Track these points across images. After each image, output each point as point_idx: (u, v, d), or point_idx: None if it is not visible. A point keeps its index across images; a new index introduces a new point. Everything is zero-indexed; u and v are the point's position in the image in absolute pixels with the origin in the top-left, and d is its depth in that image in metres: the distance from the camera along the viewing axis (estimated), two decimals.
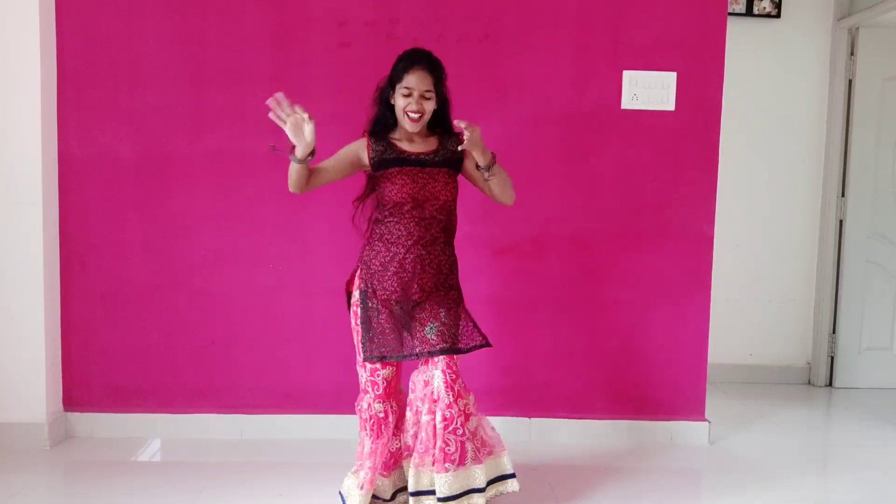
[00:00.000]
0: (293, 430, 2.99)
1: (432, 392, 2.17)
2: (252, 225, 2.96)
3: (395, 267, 2.18)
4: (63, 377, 2.97)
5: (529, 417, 3.06)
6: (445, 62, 2.88)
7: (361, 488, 2.24)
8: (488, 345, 2.24)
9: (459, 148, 2.15)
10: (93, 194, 2.92)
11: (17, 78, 2.76)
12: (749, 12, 3.90)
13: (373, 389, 2.25)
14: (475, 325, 2.25)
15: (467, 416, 2.17)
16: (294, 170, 2.15)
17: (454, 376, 2.17)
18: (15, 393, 2.83)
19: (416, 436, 2.25)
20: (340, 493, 2.35)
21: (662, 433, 3.07)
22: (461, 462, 2.14)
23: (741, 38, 3.83)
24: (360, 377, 2.29)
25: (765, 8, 3.92)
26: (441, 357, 2.17)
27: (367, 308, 2.23)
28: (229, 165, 2.93)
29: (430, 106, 2.17)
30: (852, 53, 3.94)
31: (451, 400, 2.14)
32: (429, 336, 2.17)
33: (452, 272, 2.27)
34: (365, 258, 2.25)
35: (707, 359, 3.07)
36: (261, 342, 3.00)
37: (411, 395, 2.28)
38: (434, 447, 2.15)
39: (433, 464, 2.14)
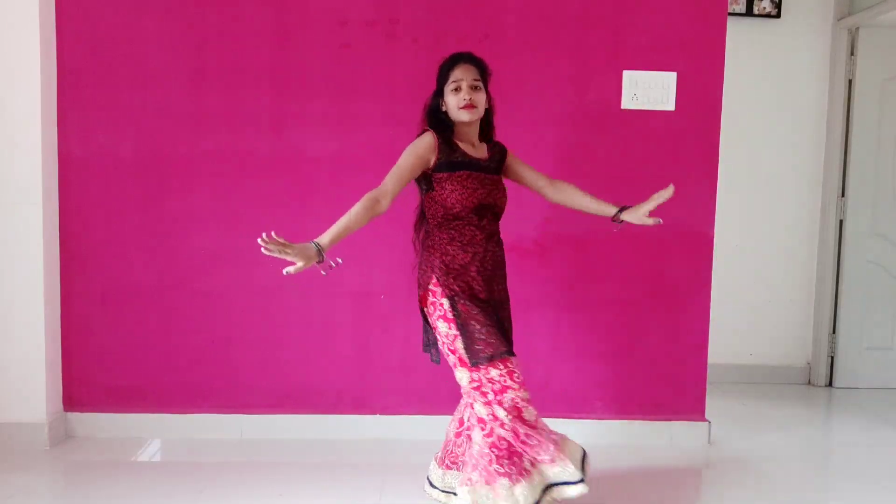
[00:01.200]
0: (293, 430, 2.99)
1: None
2: (252, 225, 2.95)
3: (476, 266, 2.14)
4: (63, 377, 2.97)
5: None
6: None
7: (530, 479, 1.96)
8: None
9: (651, 222, 2.28)
10: (93, 194, 2.92)
11: (17, 78, 2.76)
12: (749, 12, 3.90)
13: (512, 380, 2.03)
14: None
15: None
16: (345, 233, 2.08)
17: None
18: (15, 393, 2.83)
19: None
20: None
21: (662, 433, 3.07)
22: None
23: (741, 38, 3.83)
24: (482, 385, 2.05)
25: (765, 8, 3.92)
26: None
27: (460, 313, 2.09)
28: (229, 165, 2.93)
29: (481, 97, 2.14)
30: (852, 53, 3.94)
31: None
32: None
33: (504, 274, 2.30)
34: (440, 264, 2.14)
35: (707, 359, 3.07)
36: (261, 342, 3.00)
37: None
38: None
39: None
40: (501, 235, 2.30)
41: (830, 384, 4.09)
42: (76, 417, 2.97)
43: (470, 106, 2.11)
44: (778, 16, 3.93)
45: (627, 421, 3.07)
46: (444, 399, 2.99)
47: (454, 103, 2.13)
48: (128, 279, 2.95)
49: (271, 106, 2.91)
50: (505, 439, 2.00)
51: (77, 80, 2.88)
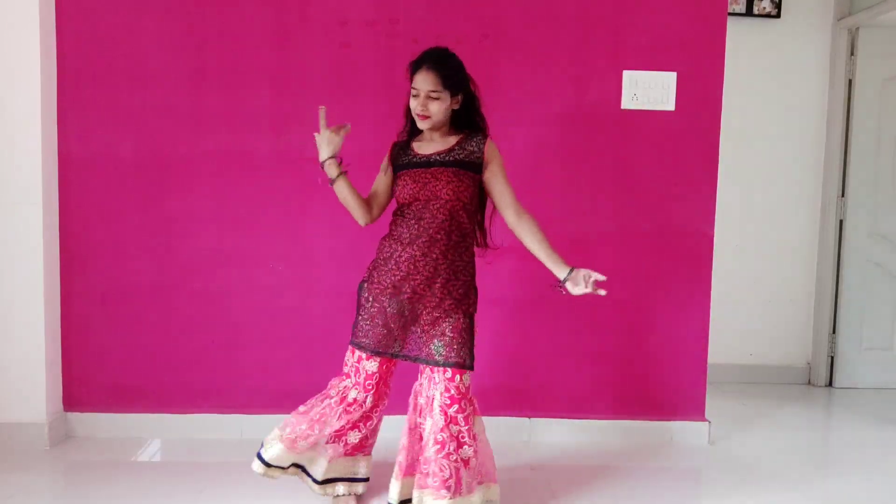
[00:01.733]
0: None
1: (431, 410, 2.15)
2: (252, 225, 2.96)
3: (391, 264, 2.19)
4: (63, 377, 2.97)
5: (529, 417, 3.06)
6: None
7: (288, 444, 2.25)
8: (465, 367, 2.14)
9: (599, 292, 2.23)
10: (93, 194, 2.92)
11: (17, 78, 2.76)
12: (749, 12, 3.90)
13: (354, 376, 2.26)
14: (465, 343, 2.15)
15: (460, 444, 2.13)
16: (340, 195, 2.26)
17: (451, 398, 2.13)
18: (15, 393, 2.83)
19: (405, 448, 2.23)
20: (263, 442, 2.32)
21: (662, 433, 3.07)
22: (457, 491, 2.09)
23: (741, 38, 3.83)
24: (345, 361, 2.31)
25: (765, 8, 3.92)
26: (441, 374, 2.14)
27: (362, 297, 2.25)
28: (229, 165, 2.93)
29: (435, 106, 2.15)
30: (852, 53, 3.94)
31: (444, 424, 2.12)
32: (434, 350, 2.15)
33: (455, 279, 2.17)
34: (381, 246, 2.28)
35: (707, 359, 3.08)
36: (261, 342, 3.00)
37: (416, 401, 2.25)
38: (430, 466, 2.11)
39: (428, 486, 2.10)
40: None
41: (830, 384, 4.09)
42: (76, 417, 2.97)
43: (422, 116, 2.16)
44: (778, 16, 3.93)
45: (627, 421, 3.07)
46: None
47: (412, 106, 2.19)
48: (128, 279, 2.95)
49: (271, 106, 2.91)
50: (310, 406, 2.34)
51: (77, 80, 2.88)
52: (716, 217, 3.03)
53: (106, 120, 2.90)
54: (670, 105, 2.96)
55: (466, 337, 2.16)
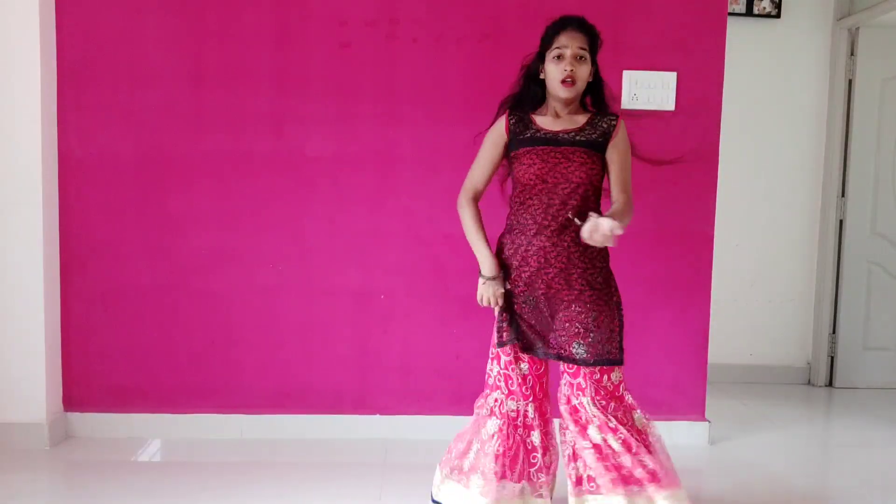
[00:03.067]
0: (293, 430, 2.99)
1: (583, 415, 1.98)
2: (252, 225, 2.96)
3: (518, 260, 2.00)
4: (63, 377, 2.97)
5: None
6: (445, 62, 2.91)
7: (485, 495, 1.96)
8: (616, 362, 1.99)
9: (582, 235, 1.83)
10: (93, 194, 2.92)
11: (17, 78, 2.76)
12: (749, 12, 3.91)
13: (505, 384, 2.01)
14: (616, 337, 1.99)
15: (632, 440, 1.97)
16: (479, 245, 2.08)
17: (606, 397, 1.97)
18: (15, 393, 2.83)
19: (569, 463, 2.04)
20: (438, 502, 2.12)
21: (662, 433, 3.06)
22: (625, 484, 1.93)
23: (741, 38, 3.83)
24: (488, 375, 2.08)
25: (765, 8, 3.92)
26: (583, 373, 1.97)
27: (507, 294, 2.03)
28: (229, 165, 2.93)
29: (584, 70, 1.96)
30: (852, 53, 3.94)
31: (615, 423, 1.95)
32: (574, 350, 1.96)
33: (592, 267, 1.98)
34: (501, 244, 2.08)
35: (707, 359, 3.07)
36: (261, 342, 2.99)
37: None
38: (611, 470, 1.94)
39: (590, 492, 1.96)
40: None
41: (830, 384, 4.09)
42: (76, 417, 2.97)
43: (570, 82, 1.93)
44: (778, 16, 3.93)
45: None
46: (444, 399, 3.00)
47: (555, 74, 1.95)
48: (128, 279, 2.95)
49: (271, 106, 2.91)
50: (468, 443, 2.12)
51: (77, 80, 2.88)
52: (716, 217, 3.03)
53: (106, 120, 2.89)
54: (670, 105, 2.96)
55: (613, 330, 1.99)
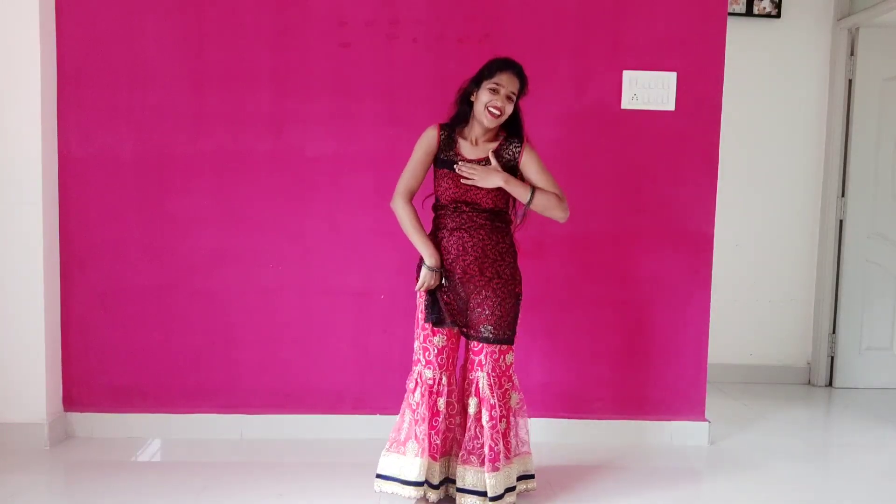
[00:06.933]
0: (293, 430, 2.99)
1: (478, 389, 2.28)
2: (252, 225, 2.96)
3: (441, 249, 2.31)
4: (63, 377, 2.97)
5: (530, 417, 3.05)
6: (445, 62, 2.92)
7: (419, 455, 2.27)
8: (509, 342, 2.33)
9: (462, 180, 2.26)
10: (93, 194, 2.92)
11: (17, 78, 2.76)
12: (749, 12, 3.91)
13: (423, 356, 2.33)
14: (514, 323, 2.33)
15: (501, 417, 2.29)
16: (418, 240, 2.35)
17: (498, 374, 2.29)
18: (15, 393, 2.83)
19: (459, 427, 2.37)
20: (380, 475, 2.36)
21: (662, 433, 3.07)
22: (500, 459, 2.26)
23: (741, 38, 3.83)
24: (415, 353, 2.36)
25: (765, 8, 3.92)
26: (486, 351, 2.28)
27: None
28: (229, 165, 2.93)
29: (509, 109, 2.26)
30: (852, 53, 3.94)
31: (496, 400, 2.27)
32: (482, 329, 2.29)
33: (502, 260, 2.31)
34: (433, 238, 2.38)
35: (707, 359, 3.08)
36: (261, 342, 2.99)
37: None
38: (482, 446, 2.26)
39: (481, 463, 2.25)
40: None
41: (830, 384, 4.09)
42: (76, 417, 2.97)
43: (497, 114, 2.24)
44: (778, 16, 3.93)
45: (627, 421, 3.07)
46: None
47: (485, 100, 2.24)
48: (128, 279, 2.95)
49: (271, 106, 2.91)
50: (402, 416, 2.41)
51: (77, 80, 2.88)
52: (716, 217, 3.03)
53: (106, 120, 2.90)
54: (670, 105, 2.96)
55: (508, 313, 2.32)
